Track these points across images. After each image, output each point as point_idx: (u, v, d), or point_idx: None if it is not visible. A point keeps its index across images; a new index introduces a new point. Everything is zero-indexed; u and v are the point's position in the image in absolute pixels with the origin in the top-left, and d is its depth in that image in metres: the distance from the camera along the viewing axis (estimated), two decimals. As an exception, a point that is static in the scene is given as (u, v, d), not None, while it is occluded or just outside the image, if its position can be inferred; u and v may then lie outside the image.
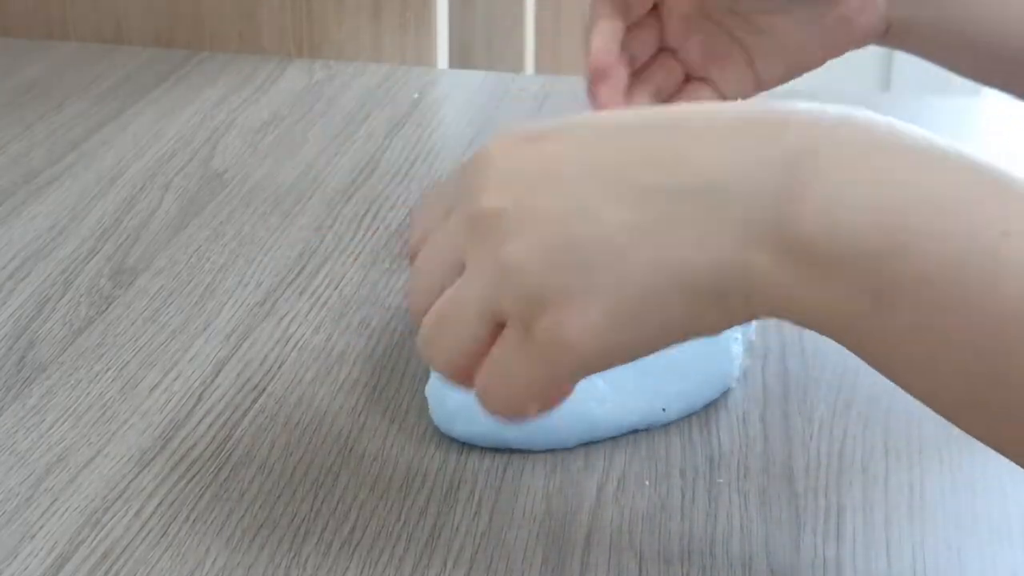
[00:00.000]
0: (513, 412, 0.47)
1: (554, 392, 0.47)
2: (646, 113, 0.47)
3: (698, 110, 0.46)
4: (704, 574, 0.52)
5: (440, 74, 1.05)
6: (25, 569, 0.52)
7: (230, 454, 0.59)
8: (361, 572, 0.52)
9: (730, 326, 0.46)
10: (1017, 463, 0.43)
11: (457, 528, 0.55)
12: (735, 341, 0.63)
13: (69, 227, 0.79)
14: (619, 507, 0.56)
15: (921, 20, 0.70)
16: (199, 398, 0.63)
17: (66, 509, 0.56)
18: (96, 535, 0.54)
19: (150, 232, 0.79)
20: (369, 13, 1.06)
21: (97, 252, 0.76)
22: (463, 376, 0.47)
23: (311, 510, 0.56)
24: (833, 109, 0.44)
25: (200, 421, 0.61)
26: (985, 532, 0.55)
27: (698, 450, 0.59)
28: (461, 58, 1.66)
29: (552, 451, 0.59)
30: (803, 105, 0.44)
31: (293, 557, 0.53)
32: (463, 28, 1.67)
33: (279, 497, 0.56)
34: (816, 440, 0.60)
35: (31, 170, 0.86)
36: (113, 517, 0.55)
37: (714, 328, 0.46)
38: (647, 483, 0.57)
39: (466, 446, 0.59)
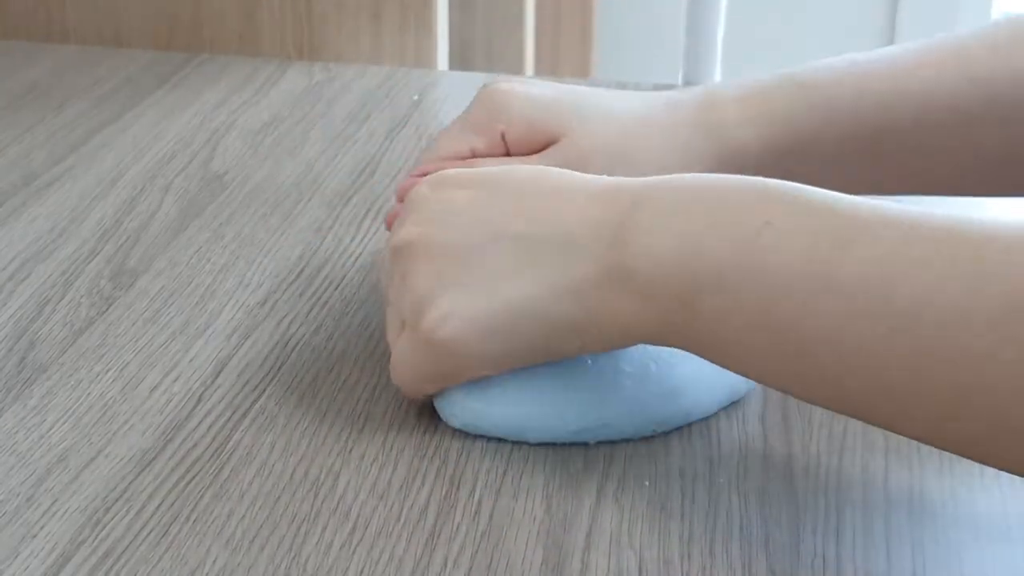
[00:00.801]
0: (411, 391, 0.61)
1: (440, 382, 0.60)
2: (540, 179, 0.59)
3: (573, 183, 0.58)
4: (704, 574, 0.52)
5: (440, 76, 1.05)
6: (26, 569, 0.52)
7: (230, 454, 0.59)
8: (361, 572, 0.52)
9: (592, 351, 0.59)
10: (836, 409, 0.53)
11: (457, 528, 0.55)
12: None
13: (69, 228, 0.79)
14: (619, 507, 0.56)
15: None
16: (199, 399, 0.63)
17: (67, 509, 0.56)
18: (97, 535, 0.54)
19: (150, 233, 0.79)
20: (369, 15, 1.06)
21: (97, 253, 0.76)
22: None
23: (311, 510, 0.56)
24: (660, 179, 0.56)
25: (200, 422, 0.61)
26: (985, 532, 0.55)
27: (698, 450, 0.60)
28: (461, 59, 1.66)
29: (552, 451, 0.59)
30: (644, 179, 0.57)
31: (293, 557, 0.53)
32: (463, 29, 1.67)
33: (279, 497, 0.56)
34: (816, 440, 0.60)
35: (31, 172, 0.86)
36: (114, 517, 0.55)
37: (578, 351, 0.59)
38: (647, 483, 0.57)
39: (466, 446, 0.59)
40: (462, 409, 0.60)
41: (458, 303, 0.57)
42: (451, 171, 0.61)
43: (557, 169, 0.60)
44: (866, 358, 0.49)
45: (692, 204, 0.54)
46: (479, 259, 0.57)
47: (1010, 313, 0.46)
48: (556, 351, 0.58)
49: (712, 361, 0.55)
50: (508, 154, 0.68)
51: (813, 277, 0.50)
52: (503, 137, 0.67)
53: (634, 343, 0.58)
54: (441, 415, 0.61)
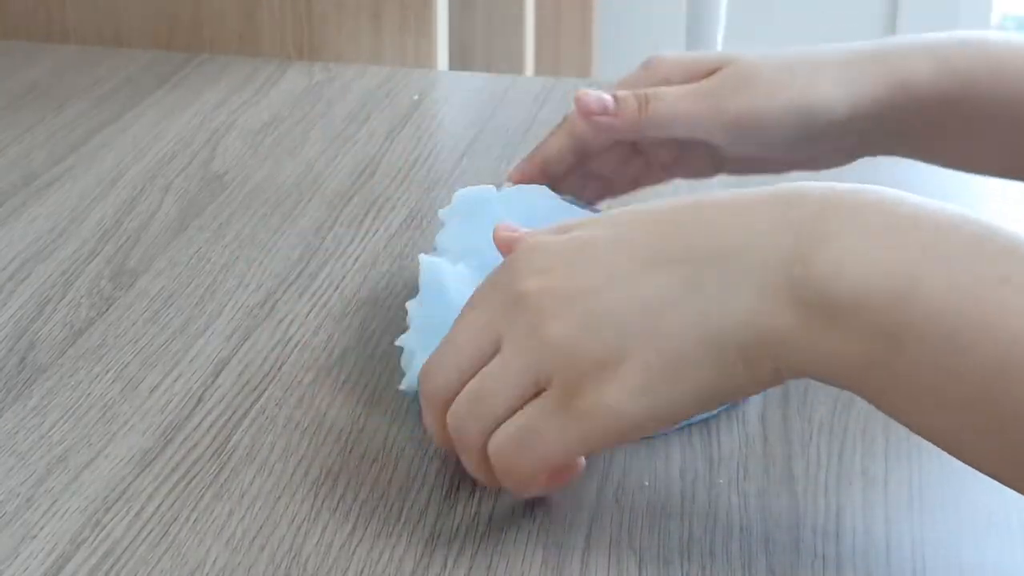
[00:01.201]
0: (525, 479, 0.52)
1: (570, 465, 0.52)
2: (670, 201, 0.52)
3: (719, 193, 0.51)
4: (704, 574, 0.52)
5: (440, 76, 1.05)
6: (26, 570, 0.52)
7: (230, 455, 0.59)
8: (361, 572, 0.52)
9: (759, 391, 0.51)
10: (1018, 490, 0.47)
11: (457, 529, 0.55)
12: None
13: (69, 229, 0.79)
14: (619, 508, 0.56)
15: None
16: (199, 399, 0.63)
17: (67, 510, 0.56)
18: (97, 536, 0.54)
19: (150, 234, 0.79)
20: (369, 15, 1.06)
21: (97, 254, 0.76)
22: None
23: (311, 510, 0.56)
24: (845, 186, 0.48)
25: (200, 422, 0.61)
26: (985, 532, 0.55)
27: (698, 451, 0.60)
28: (461, 60, 1.66)
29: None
30: (817, 183, 0.49)
31: (293, 558, 0.53)
32: (463, 30, 1.67)
33: (279, 498, 0.56)
34: (816, 441, 0.60)
35: (31, 172, 0.86)
36: (114, 518, 0.55)
37: (744, 392, 0.50)
38: (647, 483, 0.57)
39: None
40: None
41: (619, 353, 0.48)
42: (561, 236, 0.52)
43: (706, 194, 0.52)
44: None
45: (902, 227, 0.47)
46: (628, 292, 0.49)
47: None
48: (727, 395, 0.50)
49: (896, 416, 0.48)
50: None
51: None
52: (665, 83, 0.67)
53: (821, 380, 0.49)
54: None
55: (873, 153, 0.70)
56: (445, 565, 0.53)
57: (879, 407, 0.49)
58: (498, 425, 0.51)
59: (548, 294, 0.50)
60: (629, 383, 0.48)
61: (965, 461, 0.48)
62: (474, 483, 0.57)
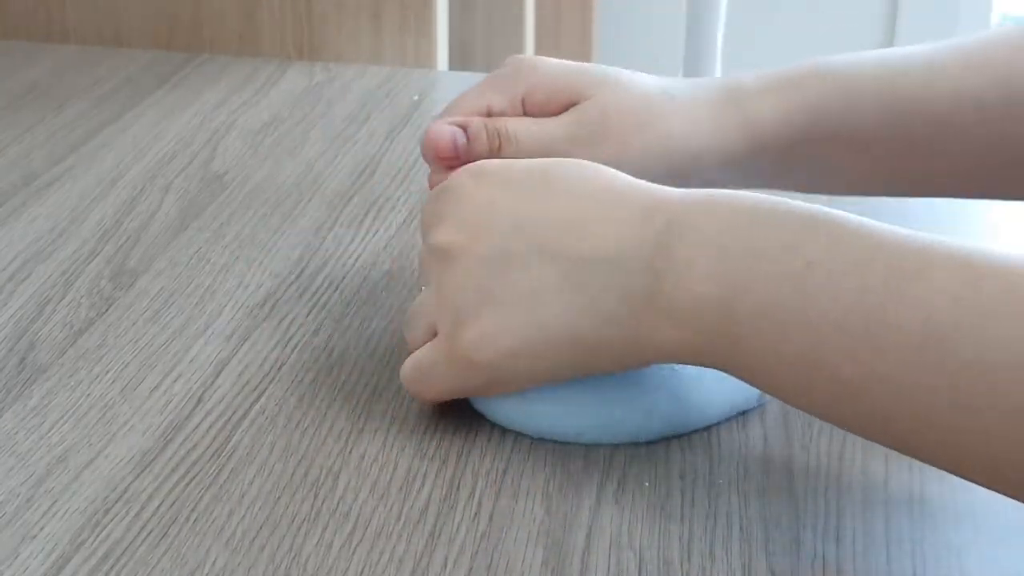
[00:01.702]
0: (429, 399, 0.61)
1: (463, 394, 0.60)
2: (570, 173, 0.58)
3: (609, 185, 0.57)
4: (704, 574, 0.52)
5: (440, 76, 1.05)
6: (25, 570, 0.52)
7: (230, 455, 0.59)
8: (361, 573, 0.52)
9: (625, 369, 0.58)
10: (893, 448, 0.53)
11: (457, 529, 0.55)
12: None
13: (69, 229, 0.79)
14: (619, 508, 0.56)
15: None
16: (199, 399, 0.63)
17: (66, 510, 0.56)
18: (96, 536, 0.54)
19: (150, 234, 0.79)
20: (369, 15, 1.06)
21: (97, 254, 0.76)
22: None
23: (311, 511, 0.56)
24: (700, 194, 0.55)
25: (200, 422, 0.61)
26: (985, 533, 0.55)
27: (698, 451, 0.59)
28: (461, 59, 1.66)
29: (552, 451, 0.59)
30: (675, 192, 0.56)
31: (293, 558, 0.53)
32: (463, 30, 1.67)
33: (279, 498, 0.56)
34: (816, 441, 0.60)
35: (31, 172, 0.86)
36: (114, 518, 0.55)
37: (608, 369, 0.58)
38: (647, 484, 0.57)
39: (466, 446, 0.59)
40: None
41: (499, 324, 0.56)
42: (495, 163, 0.60)
43: (602, 168, 0.58)
44: (923, 406, 0.49)
45: (730, 235, 0.53)
46: (521, 274, 0.56)
47: None
48: (592, 369, 0.58)
49: (762, 390, 0.56)
50: (525, 115, 0.67)
51: (864, 322, 0.49)
52: (523, 101, 0.67)
53: (673, 363, 0.57)
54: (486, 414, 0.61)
55: (732, 186, 0.70)
56: (445, 565, 0.53)
57: (742, 379, 0.55)
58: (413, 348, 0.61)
59: (458, 254, 0.57)
60: (502, 347, 0.57)
61: (848, 431, 0.54)
62: (474, 483, 0.57)
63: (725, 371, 0.55)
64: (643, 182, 0.57)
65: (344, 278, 0.74)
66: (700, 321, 0.53)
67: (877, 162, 0.69)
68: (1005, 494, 0.50)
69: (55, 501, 0.56)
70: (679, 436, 0.60)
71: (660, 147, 0.66)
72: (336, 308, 0.71)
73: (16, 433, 0.61)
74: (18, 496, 0.57)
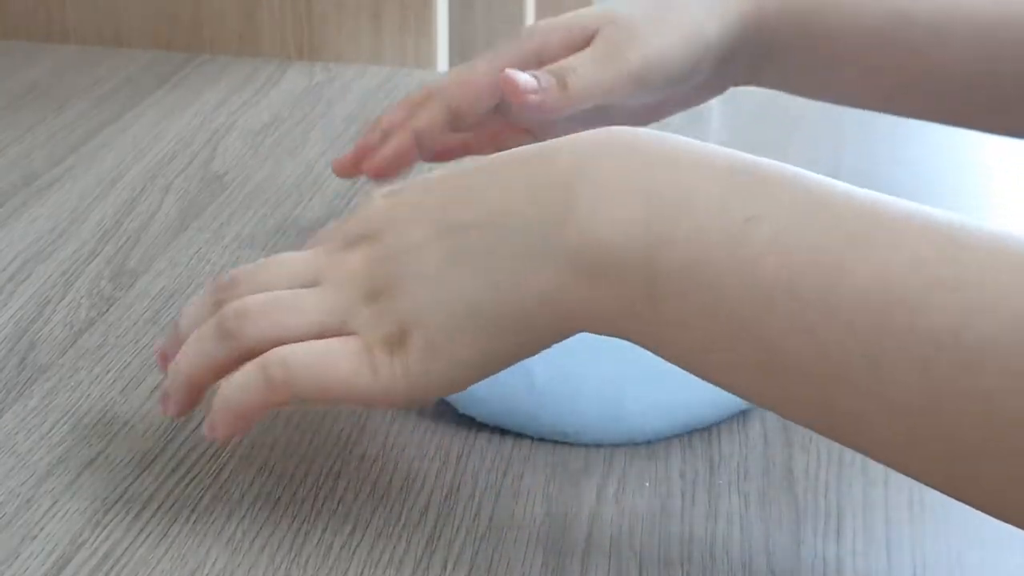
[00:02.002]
0: (275, 401, 0.51)
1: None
2: (467, 164, 0.52)
3: (500, 154, 0.52)
4: (704, 575, 0.52)
5: (440, 76, 1.05)
6: (26, 570, 0.53)
7: (231, 456, 0.59)
8: (361, 573, 0.52)
9: (549, 344, 0.50)
10: (830, 438, 0.46)
11: (457, 530, 0.55)
12: None
13: (69, 229, 0.79)
14: (619, 509, 0.56)
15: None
16: (199, 400, 0.63)
17: (67, 511, 0.56)
18: (97, 536, 0.54)
19: (150, 234, 0.79)
20: (369, 15, 1.06)
21: (98, 254, 0.77)
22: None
23: (312, 511, 0.56)
24: (599, 134, 0.49)
25: (201, 423, 0.61)
26: (984, 533, 0.55)
27: (698, 452, 0.60)
28: (461, 60, 1.66)
29: (552, 452, 0.59)
30: (573, 137, 0.50)
31: (293, 558, 0.53)
32: (463, 30, 1.67)
33: (279, 499, 0.56)
34: (816, 441, 0.60)
35: (31, 172, 0.86)
36: (114, 519, 0.55)
37: (526, 354, 0.51)
38: (647, 485, 0.57)
39: (466, 447, 0.59)
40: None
41: (409, 321, 0.50)
42: (413, 183, 0.54)
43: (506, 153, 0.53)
44: (872, 388, 0.43)
45: (648, 177, 0.47)
46: (416, 262, 0.51)
47: None
48: (512, 358, 0.51)
49: (674, 361, 0.49)
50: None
51: (818, 286, 0.44)
52: (537, 55, 0.69)
53: (591, 331, 0.50)
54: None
55: (743, 79, 0.73)
56: (445, 566, 0.53)
57: (659, 354, 0.49)
58: (281, 339, 0.51)
59: (371, 261, 0.51)
60: (415, 352, 0.50)
61: (780, 415, 0.48)
62: (474, 484, 0.57)
63: (643, 345, 0.49)
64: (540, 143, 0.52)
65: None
66: (620, 276, 0.47)
67: (874, 64, 0.70)
68: (964, 500, 0.44)
69: (55, 501, 0.56)
70: (679, 436, 0.60)
71: (678, 36, 0.68)
72: (336, 308, 0.71)
73: (16, 433, 0.61)
74: (18, 496, 0.57)
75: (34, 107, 0.96)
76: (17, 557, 0.53)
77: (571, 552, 0.54)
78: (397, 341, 0.51)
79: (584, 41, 0.68)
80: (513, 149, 0.52)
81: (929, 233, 0.44)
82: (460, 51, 1.65)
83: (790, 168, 0.47)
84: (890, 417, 0.43)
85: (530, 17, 1.72)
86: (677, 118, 0.88)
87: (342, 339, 0.51)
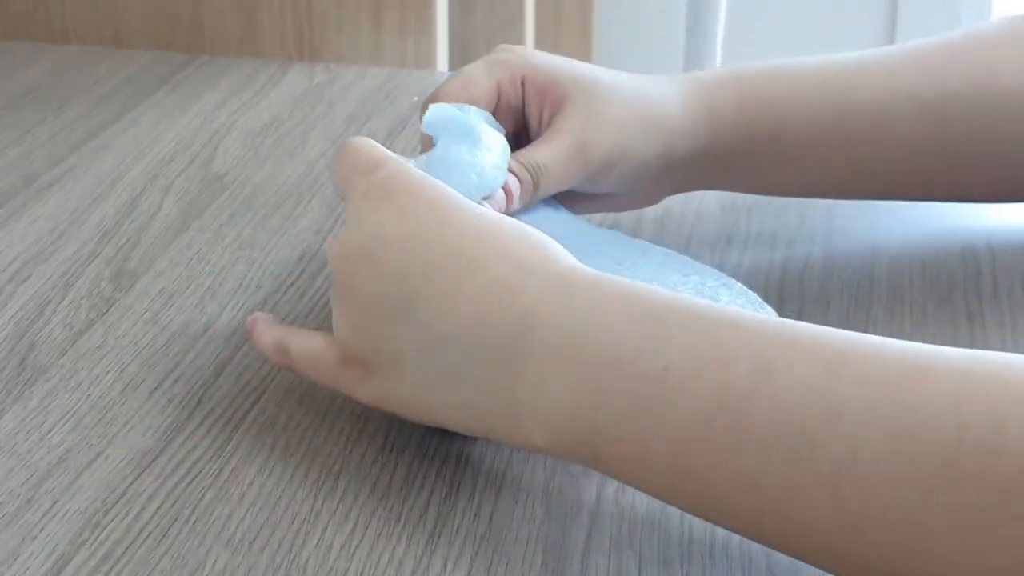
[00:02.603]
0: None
1: None
2: (456, 230, 0.54)
3: (488, 256, 0.54)
4: (704, 575, 0.52)
5: (440, 77, 1.05)
6: (26, 571, 0.53)
7: (230, 456, 0.59)
8: (361, 573, 0.52)
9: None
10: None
11: (457, 530, 0.55)
12: None
13: (70, 230, 0.79)
14: (619, 509, 0.56)
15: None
16: (199, 400, 0.63)
17: (67, 511, 0.56)
18: (97, 537, 0.54)
19: (151, 235, 0.79)
20: (369, 16, 1.06)
21: (98, 255, 0.76)
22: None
23: (311, 511, 0.56)
24: (551, 285, 0.52)
25: (200, 423, 0.61)
26: (984, 532, 0.55)
27: (698, 451, 0.59)
28: (461, 61, 1.66)
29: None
30: (538, 268, 0.53)
31: (293, 558, 0.53)
32: (463, 31, 1.67)
33: (279, 499, 0.56)
34: (816, 441, 0.60)
35: (31, 173, 0.86)
36: (114, 519, 0.55)
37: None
38: (647, 484, 0.57)
39: (466, 447, 0.59)
40: None
41: (385, 381, 0.56)
42: (393, 178, 0.56)
43: (490, 223, 0.55)
44: (789, 510, 0.46)
45: (584, 335, 0.51)
46: (393, 331, 0.55)
47: (942, 479, 0.43)
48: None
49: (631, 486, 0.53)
50: (523, 104, 0.68)
51: (728, 424, 0.47)
52: (523, 82, 0.68)
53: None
54: None
55: (689, 186, 0.74)
56: (445, 566, 0.53)
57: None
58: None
59: (343, 287, 0.56)
60: (393, 403, 0.56)
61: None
62: (474, 484, 0.57)
63: (596, 470, 0.53)
64: (514, 251, 0.54)
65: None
66: (561, 427, 0.51)
67: (823, 157, 0.71)
68: None
69: (55, 502, 0.56)
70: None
71: (661, 129, 0.68)
72: (336, 309, 0.71)
73: (16, 434, 0.61)
74: (18, 497, 0.57)
75: (34, 108, 0.96)
76: (17, 557, 0.53)
77: (571, 552, 0.54)
78: (368, 375, 0.56)
79: (558, 96, 0.67)
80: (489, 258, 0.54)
81: (808, 357, 0.47)
82: (460, 52, 1.65)
83: (710, 308, 0.50)
84: (813, 526, 0.46)
85: (530, 18, 1.72)
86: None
87: (332, 347, 0.57)
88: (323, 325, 0.69)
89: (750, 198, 0.80)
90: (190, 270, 0.75)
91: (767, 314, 0.61)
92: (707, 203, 0.80)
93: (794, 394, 0.46)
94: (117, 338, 0.68)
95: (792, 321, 0.49)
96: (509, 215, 0.61)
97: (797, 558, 0.48)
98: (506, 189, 0.64)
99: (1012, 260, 0.75)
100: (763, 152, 0.70)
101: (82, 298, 0.72)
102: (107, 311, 0.71)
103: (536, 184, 0.66)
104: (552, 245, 0.55)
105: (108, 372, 0.65)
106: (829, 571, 0.48)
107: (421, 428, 0.61)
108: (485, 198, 0.62)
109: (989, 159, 0.70)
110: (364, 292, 0.55)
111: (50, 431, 0.61)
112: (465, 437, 0.60)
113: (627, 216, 0.78)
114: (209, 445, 0.60)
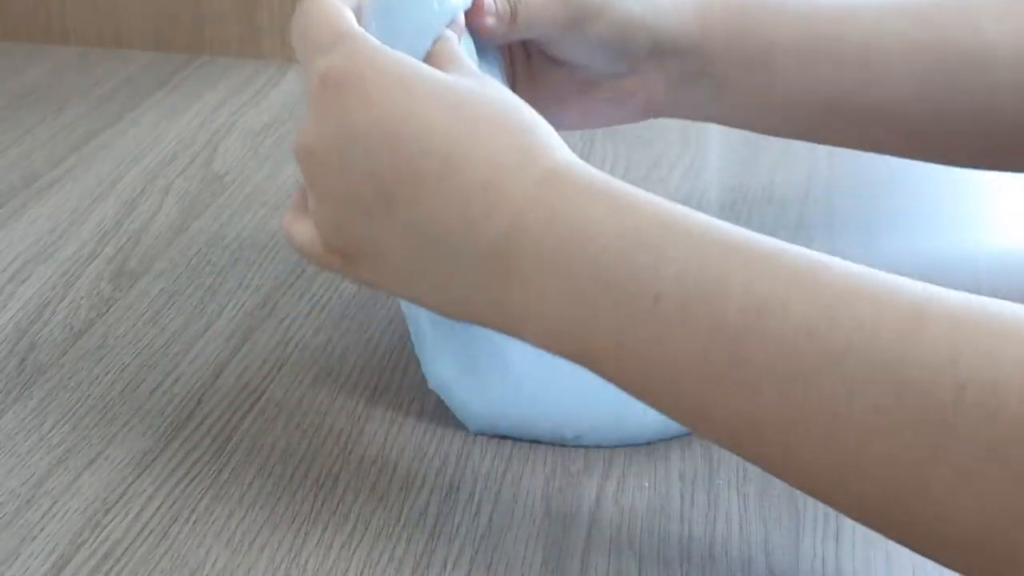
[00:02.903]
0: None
1: None
2: (430, 119, 0.50)
3: (467, 152, 0.50)
4: (704, 575, 0.52)
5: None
6: (26, 571, 0.53)
7: (230, 456, 0.59)
8: (361, 573, 0.52)
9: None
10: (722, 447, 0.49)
11: (457, 530, 0.55)
12: None
13: (70, 230, 0.79)
14: (619, 509, 0.56)
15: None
16: (199, 400, 0.63)
17: (67, 511, 0.56)
18: (97, 537, 0.54)
19: (150, 235, 0.79)
20: (369, 16, 1.06)
21: (98, 255, 0.77)
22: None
23: (311, 511, 0.56)
24: (541, 199, 0.49)
25: (200, 423, 0.61)
26: (984, 533, 0.55)
27: (697, 452, 0.60)
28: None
29: (552, 452, 0.59)
30: (528, 181, 0.50)
31: (293, 558, 0.53)
32: (463, 32, 1.67)
33: (279, 499, 0.57)
34: (816, 441, 0.60)
35: (32, 173, 0.86)
36: (114, 519, 0.55)
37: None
38: (646, 485, 0.57)
39: (466, 447, 0.59)
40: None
41: (370, 270, 0.53)
42: (355, 58, 0.52)
43: (478, 100, 0.51)
44: (786, 447, 0.46)
45: (572, 258, 0.48)
46: (378, 232, 0.52)
47: (940, 439, 0.42)
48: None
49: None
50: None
51: (722, 358, 0.46)
52: None
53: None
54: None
55: (686, 98, 0.71)
56: (445, 566, 0.53)
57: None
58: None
59: (314, 176, 0.52)
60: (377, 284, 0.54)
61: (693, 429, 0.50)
62: (474, 484, 0.57)
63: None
64: (505, 144, 0.51)
65: (344, 279, 0.74)
66: (555, 336, 0.50)
67: (810, 84, 0.69)
68: (883, 532, 0.46)
69: (55, 502, 0.56)
70: (679, 437, 0.60)
71: (621, 25, 0.66)
72: (336, 309, 0.71)
73: (16, 434, 0.61)
74: (18, 497, 0.57)
75: (34, 108, 0.96)
76: (17, 557, 0.53)
77: (571, 552, 0.54)
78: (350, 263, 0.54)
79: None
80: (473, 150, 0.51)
81: (813, 298, 0.45)
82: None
83: (706, 226, 0.48)
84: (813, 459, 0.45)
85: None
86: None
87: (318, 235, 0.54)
88: (323, 325, 0.69)
89: (750, 198, 0.80)
90: (190, 270, 0.75)
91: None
92: (707, 202, 0.80)
93: (788, 337, 0.45)
94: (117, 338, 0.68)
95: (796, 249, 0.47)
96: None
97: (801, 491, 0.48)
98: (477, 6, 0.61)
99: (1009, 271, 0.75)
100: (752, 68, 0.69)
101: (82, 298, 0.72)
102: (107, 311, 0.71)
103: (514, 15, 0.63)
104: (535, 125, 0.52)
105: (108, 372, 0.65)
106: (830, 506, 0.47)
107: (421, 428, 0.61)
108: (448, 25, 0.57)
109: (971, 114, 0.69)
110: (337, 191, 0.52)
111: (50, 431, 0.61)
112: (465, 437, 0.60)
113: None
114: (209, 445, 0.60)
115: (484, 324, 0.52)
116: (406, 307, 0.61)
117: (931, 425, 0.43)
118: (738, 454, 0.48)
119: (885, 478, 0.44)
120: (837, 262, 0.46)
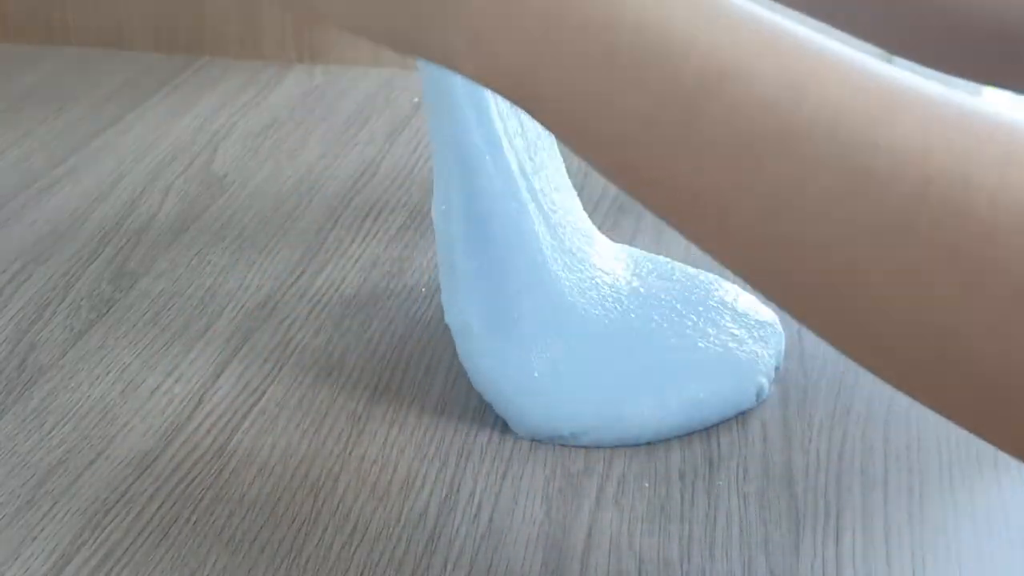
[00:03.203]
0: None
1: None
2: None
3: None
4: (704, 575, 0.52)
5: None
6: (26, 571, 0.53)
7: (231, 456, 0.59)
8: (361, 573, 0.52)
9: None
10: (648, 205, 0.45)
11: (457, 530, 0.55)
12: (761, 374, 0.62)
13: (70, 231, 0.79)
14: (619, 509, 0.56)
15: None
16: (200, 401, 0.63)
17: (67, 511, 0.56)
18: (97, 537, 0.54)
19: (151, 236, 0.79)
20: (369, 18, 1.06)
21: (98, 256, 0.77)
22: None
23: (311, 512, 0.56)
24: None
25: (201, 424, 0.61)
26: (984, 534, 0.55)
27: (697, 452, 0.60)
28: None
29: (552, 452, 0.59)
30: None
31: (293, 559, 0.53)
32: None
33: (279, 499, 0.57)
34: (815, 442, 0.60)
35: (32, 174, 0.87)
36: (114, 519, 0.55)
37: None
38: (647, 485, 0.58)
39: (466, 448, 0.60)
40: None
41: None
42: None
43: None
44: (722, 218, 0.42)
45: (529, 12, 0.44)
46: None
47: (895, 233, 0.39)
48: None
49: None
50: None
51: (675, 122, 0.42)
52: None
53: None
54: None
55: None
56: (445, 567, 0.53)
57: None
58: None
59: None
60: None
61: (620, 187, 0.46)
62: (474, 485, 0.57)
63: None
64: None
65: (344, 280, 0.74)
66: (498, 78, 0.45)
67: None
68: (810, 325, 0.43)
69: (56, 502, 0.56)
70: (679, 436, 0.60)
71: None
72: (336, 310, 0.71)
73: (17, 434, 0.61)
74: (19, 497, 0.57)
75: (35, 109, 0.97)
76: (18, 557, 0.53)
77: (571, 552, 0.54)
78: None
79: None
80: None
81: (780, 69, 0.42)
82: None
83: None
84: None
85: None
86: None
87: None
88: (323, 326, 0.69)
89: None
90: (190, 271, 0.75)
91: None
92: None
93: (746, 109, 0.41)
94: (117, 339, 0.68)
95: (772, 17, 0.44)
96: None
97: (730, 269, 0.44)
98: None
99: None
100: None
101: (82, 299, 0.72)
102: (107, 312, 0.71)
103: None
104: None
105: (108, 372, 0.65)
106: (756, 287, 0.44)
107: (421, 428, 0.61)
108: None
109: (952, 11, 0.65)
110: None
111: (51, 432, 0.61)
112: (465, 437, 0.60)
113: (628, 217, 0.78)
114: (209, 446, 0.60)
115: (428, 59, 0.47)
116: (442, 250, 0.61)
117: (886, 216, 0.40)
118: (670, 222, 0.44)
119: (818, 265, 0.41)
120: (816, 37, 0.43)
